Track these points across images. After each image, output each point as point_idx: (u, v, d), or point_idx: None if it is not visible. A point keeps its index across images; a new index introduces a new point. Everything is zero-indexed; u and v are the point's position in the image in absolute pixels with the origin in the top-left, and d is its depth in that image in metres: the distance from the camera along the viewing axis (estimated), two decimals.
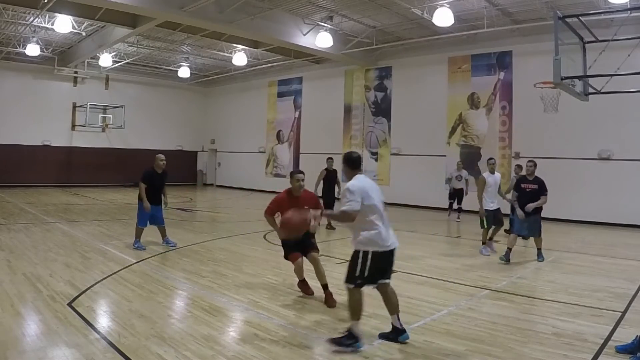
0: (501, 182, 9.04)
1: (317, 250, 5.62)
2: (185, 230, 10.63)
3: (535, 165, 8.04)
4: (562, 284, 6.48)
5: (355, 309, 4.13)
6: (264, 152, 23.25)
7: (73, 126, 22.49)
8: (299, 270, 5.58)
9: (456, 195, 13.82)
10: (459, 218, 13.63)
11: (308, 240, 5.51)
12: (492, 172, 8.72)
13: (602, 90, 5.64)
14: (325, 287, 5.42)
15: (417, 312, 5.12)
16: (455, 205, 13.92)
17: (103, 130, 23.00)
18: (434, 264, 7.70)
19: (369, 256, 4.05)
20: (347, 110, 19.71)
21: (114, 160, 22.96)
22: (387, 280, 4.23)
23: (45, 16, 14.64)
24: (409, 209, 16.59)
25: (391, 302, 4.24)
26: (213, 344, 4.09)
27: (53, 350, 3.83)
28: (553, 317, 4.97)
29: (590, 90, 5.85)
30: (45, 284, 5.74)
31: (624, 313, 5.16)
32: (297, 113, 21.88)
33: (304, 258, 5.54)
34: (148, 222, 8.40)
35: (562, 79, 5.09)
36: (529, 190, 7.91)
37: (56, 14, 14.11)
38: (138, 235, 8.29)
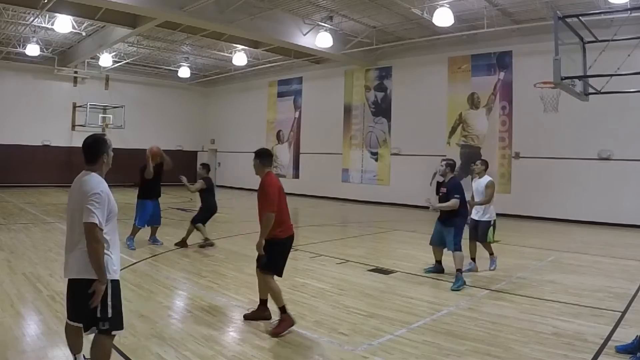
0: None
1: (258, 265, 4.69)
2: (186, 230, 10.61)
3: (447, 165, 6.49)
4: (562, 284, 6.48)
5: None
6: None
7: (73, 126, 22.47)
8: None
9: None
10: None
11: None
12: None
13: (602, 90, 5.63)
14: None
15: (417, 312, 5.13)
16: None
17: (103, 130, 22.93)
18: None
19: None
20: (347, 110, 19.71)
21: (113, 160, 22.73)
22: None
23: (45, 16, 14.62)
24: (409, 209, 16.58)
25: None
26: (213, 344, 4.09)
27: (53, 350, 3.83)
28: (553, 317, 4.97)
29: (590, 90, 5.84)
30: (45, 284, 5.73)
31: (624, 313, 5.16)
32: (297, 113, 21.87)
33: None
34: (146, 225, 8.48)
35: (562, 79, 5.08)
36: (441, 195, 6.64)
37: (56, 14, 14.10)
38: (133, 232, 8.27)
